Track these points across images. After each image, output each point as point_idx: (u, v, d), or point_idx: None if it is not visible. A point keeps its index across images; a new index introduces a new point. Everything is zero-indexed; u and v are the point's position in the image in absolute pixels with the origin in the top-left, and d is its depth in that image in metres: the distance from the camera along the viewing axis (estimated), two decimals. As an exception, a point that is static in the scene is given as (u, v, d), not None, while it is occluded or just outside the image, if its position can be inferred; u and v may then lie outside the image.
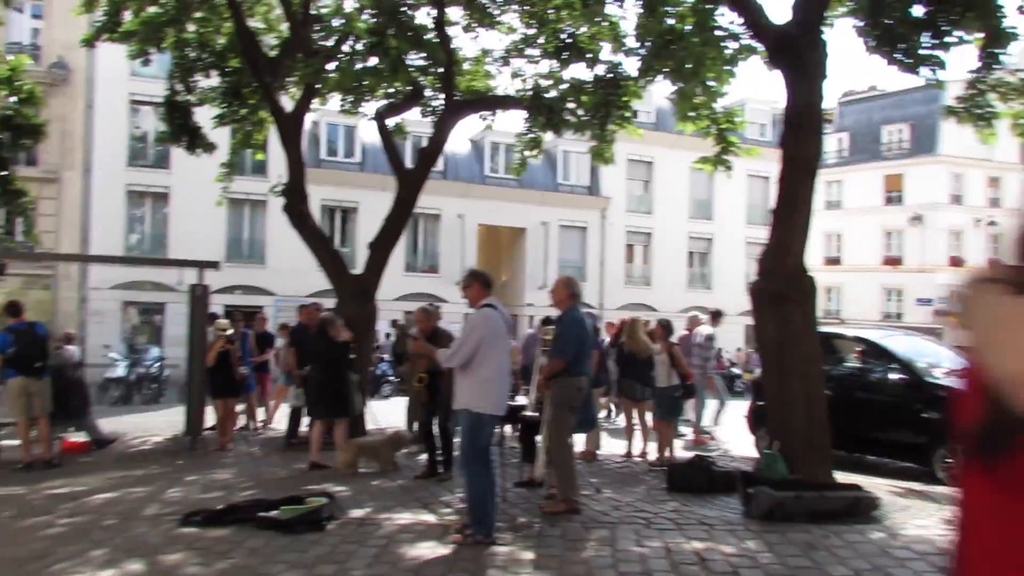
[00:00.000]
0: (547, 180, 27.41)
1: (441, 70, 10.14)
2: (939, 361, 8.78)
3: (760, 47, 8.35)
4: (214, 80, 12.17)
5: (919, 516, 5.97)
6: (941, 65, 7.95)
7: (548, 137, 13.54)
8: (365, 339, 10.35)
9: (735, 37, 8.90)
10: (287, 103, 11.51)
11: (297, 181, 10.01)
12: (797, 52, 6.71)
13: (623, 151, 27.90)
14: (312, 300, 10.17)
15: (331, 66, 9.42)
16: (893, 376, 8.60)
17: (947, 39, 7.70)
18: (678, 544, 5.06)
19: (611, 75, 10.96)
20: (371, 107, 11.11)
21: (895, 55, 7.87)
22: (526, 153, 13.25)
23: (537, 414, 6.24)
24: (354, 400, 8.33)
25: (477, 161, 26.58)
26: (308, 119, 11.18)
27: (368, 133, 26.48)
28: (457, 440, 5.99)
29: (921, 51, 7.76)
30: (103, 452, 9.51)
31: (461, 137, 27.31)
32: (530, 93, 10.18)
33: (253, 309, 20.23)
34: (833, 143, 38.45)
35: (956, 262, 35.96)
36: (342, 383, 8.07)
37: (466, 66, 11.77)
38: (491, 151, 27.70)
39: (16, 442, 9.10)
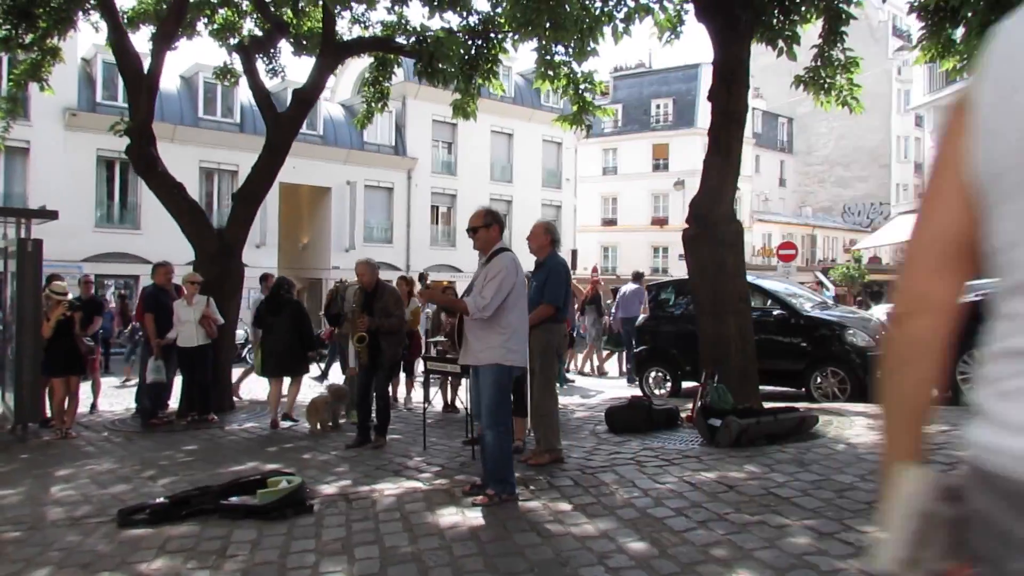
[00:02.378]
0: (353, 138, 26.00)
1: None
2: (802, 297, 9.94)
3: (657, 8, 8.59)
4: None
5: (846, 428, 6.69)
6: (796, 40, 8.84)
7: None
8: (232, 301, 9.19)
9: None
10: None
11: (144, 121, 8.39)
12: (730, 10, 7.02)
13: (428, 112, 27.53)
14: (164, 260, 8.67)
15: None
16: (774, 312, 9.48)
17: (794, 17, 8.59)
18: (692, 475, 5.18)
19: (482, 27, 10.68)
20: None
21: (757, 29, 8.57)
22: (373, 105, 12.56)
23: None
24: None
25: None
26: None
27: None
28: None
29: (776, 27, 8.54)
30: None
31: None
32: (413, 39, 9.51)
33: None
34: (608, 114, 41.34)
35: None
36: (304, 343, 7.86)
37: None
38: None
39: None
